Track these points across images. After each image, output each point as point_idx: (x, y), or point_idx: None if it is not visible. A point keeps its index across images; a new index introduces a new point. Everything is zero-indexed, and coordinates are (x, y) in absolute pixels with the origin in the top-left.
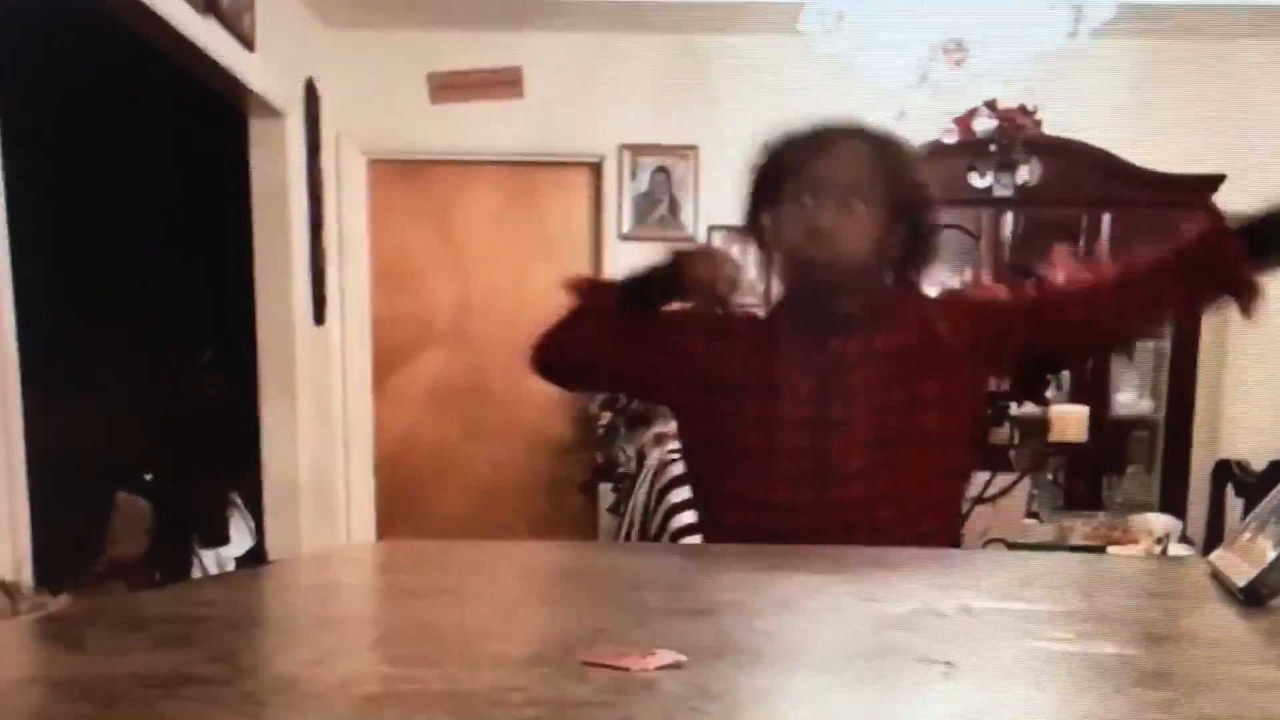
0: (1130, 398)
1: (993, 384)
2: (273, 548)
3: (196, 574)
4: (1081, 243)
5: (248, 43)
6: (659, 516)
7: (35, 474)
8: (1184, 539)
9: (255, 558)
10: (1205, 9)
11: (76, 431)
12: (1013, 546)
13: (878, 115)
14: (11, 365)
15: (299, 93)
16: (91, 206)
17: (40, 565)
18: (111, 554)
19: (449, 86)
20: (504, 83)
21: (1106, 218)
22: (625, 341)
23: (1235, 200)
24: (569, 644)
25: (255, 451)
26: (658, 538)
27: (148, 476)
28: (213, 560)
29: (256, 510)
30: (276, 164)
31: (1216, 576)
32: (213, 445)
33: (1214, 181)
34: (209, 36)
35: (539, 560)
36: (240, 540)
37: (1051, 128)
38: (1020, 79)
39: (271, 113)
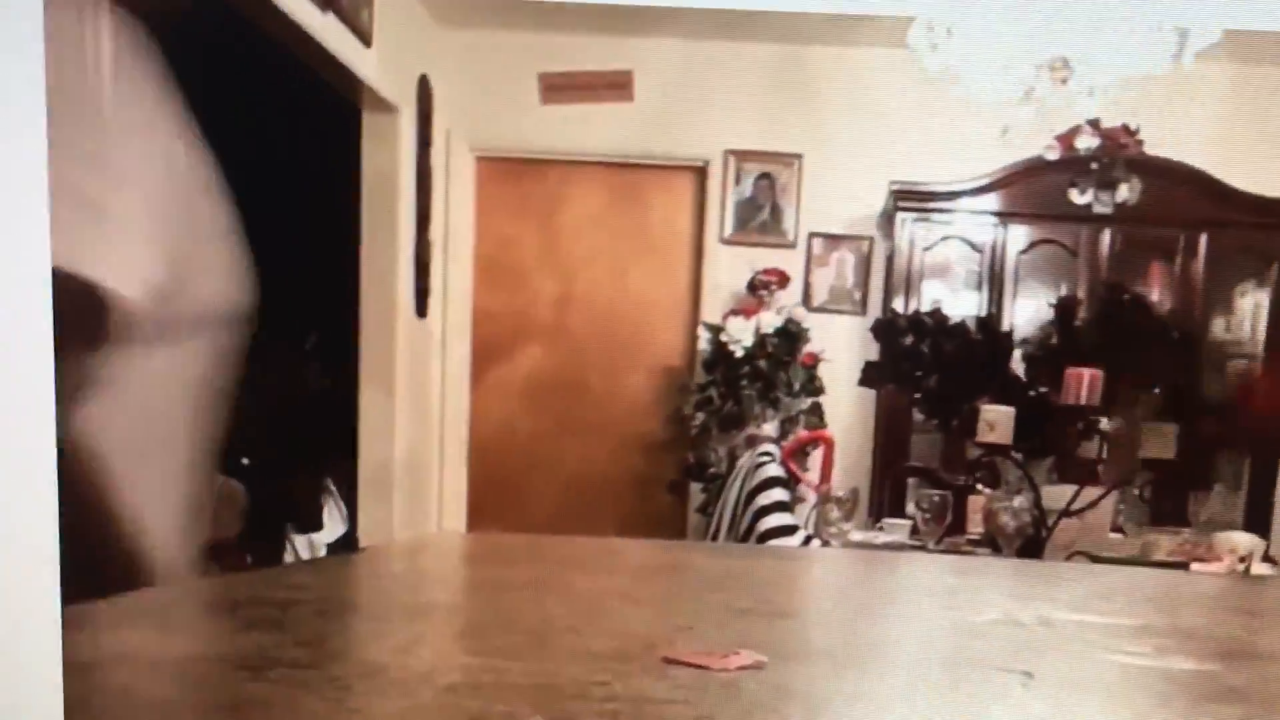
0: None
1: (1084, 398)
2: (365, 535)
3: (288, 559)
4: (1178, 262)
5: (365, 39)
6: (748, 518)
7: None
8: (1267, 558)
9: (347, 544)
10: None
11: None
12: (1097, 560)
13: (981, 130)
14: None
15: (412, 89)
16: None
17: None
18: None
19: (559, 87)
20: (614, 85)
21: (1204, 238)
22: None
23: None
24: (652, 641)
25: (352, 439)
26: (745, 539)
27: (245, 461)
28: (305, 546)
29: (351, 497)
30: (387, 157)
31: None
32: (311, 432)
33: None
34: (328, 32)
35: (626, 557)
36: (333, 527)
37: (1153, 147)
38: (1124, 99)
39: (385, 107)
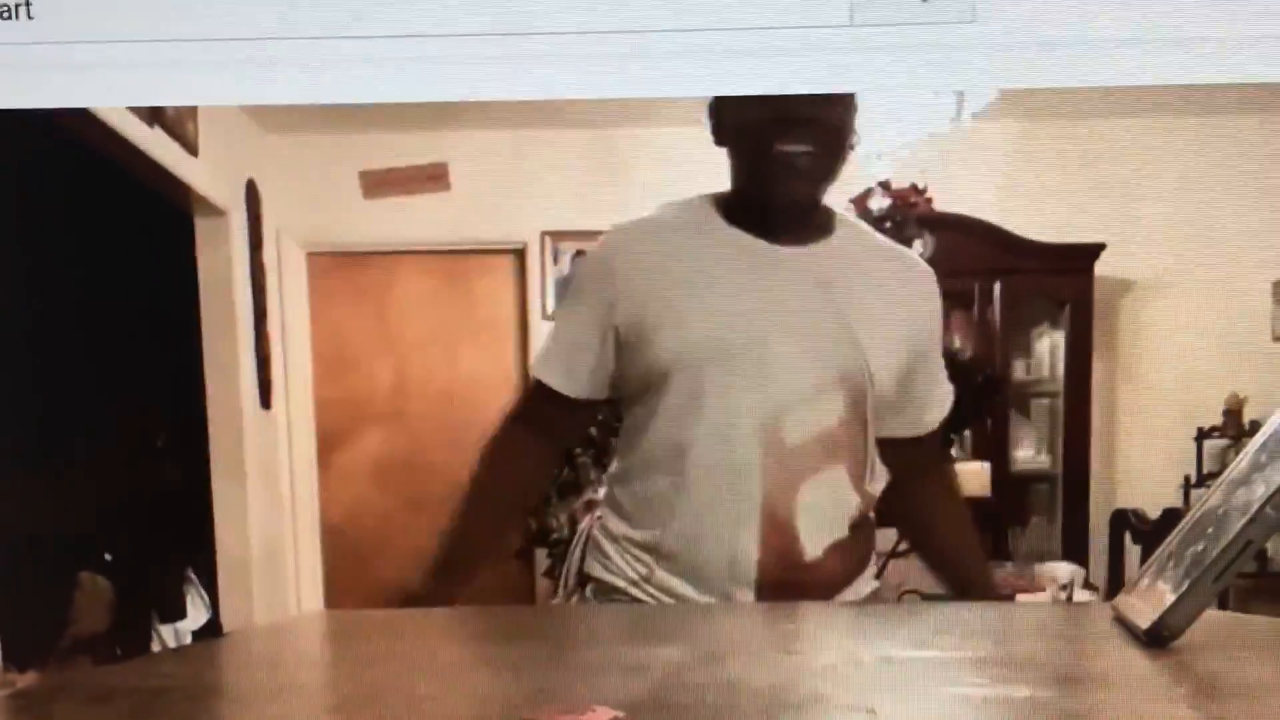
0: (1029, 453)
1: None
2: (227, 620)
3: (156, 648)
4: (975, 309)
5: (191, 149)
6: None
7: (2, 554)
8: (1087, 585)
9: (211, 630)
10: (1077, 91)
11: (39, 513)
12: (927, 598)
13: None
14: None
15: (240, 192)
16: (49, 303)
17: (7, 643)
18: (75, 631)
19: (380, 183)
20: (431, 177)
21: (997, 286)
22: None
23: (1115, 266)
24: (512, 703)
25: (209, 529)
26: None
27: (108, 556)
28: (171, 634)
29: (211, 585)
30: (220, 259)
31: (1120, 620)
32: (168, 524)
33: (1095, 250)
34: (155, 144)
35: (480, 625)
36: (196, 614)
37: (941, 204)
38: (910, 160)
39: (215, 211)
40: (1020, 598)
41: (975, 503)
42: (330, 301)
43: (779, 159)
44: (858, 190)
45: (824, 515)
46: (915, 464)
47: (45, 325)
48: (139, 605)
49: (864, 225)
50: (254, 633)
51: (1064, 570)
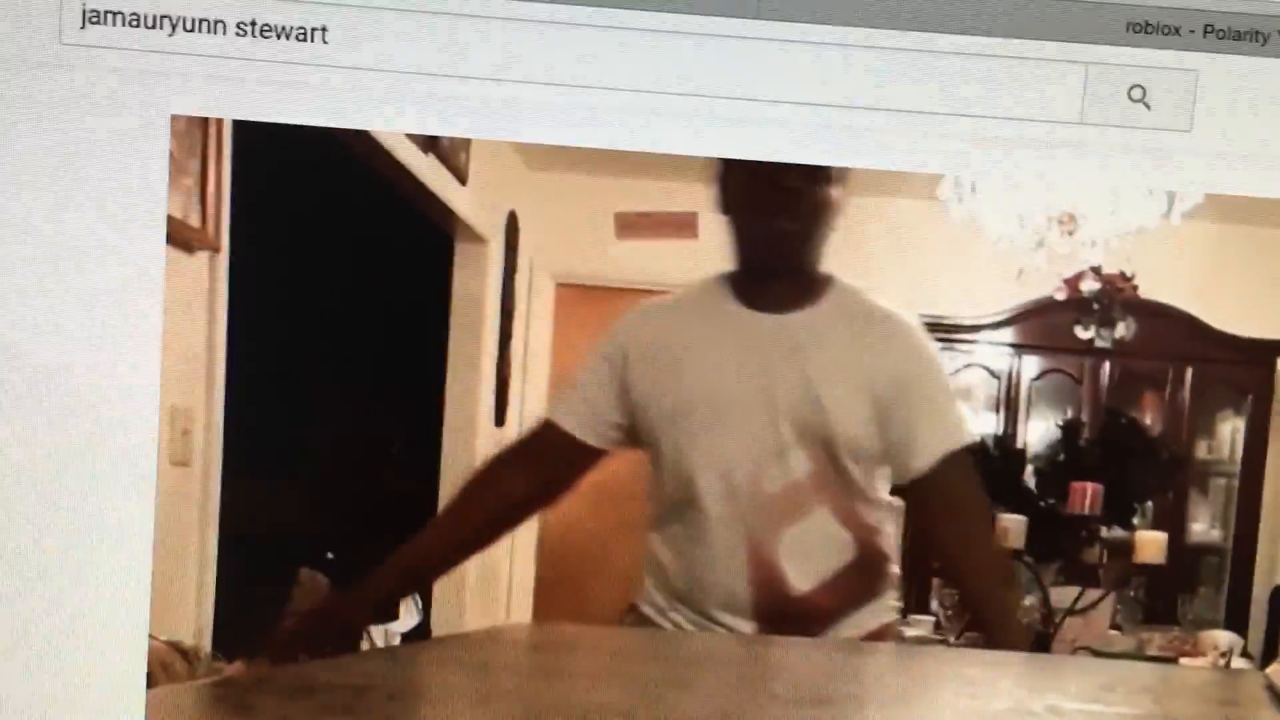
0: (1203, 527)
1: (1087, 508)
2: (437, 626)
3: (365, 646)
4: (1167, 391)
5: (461, 178)
6: None
7: (228, 547)
8: (1245, 654)
9: (420, 633)
10: (1270, 201)
11: (271, 511)
12: (1098, 654)
13: (1000, 272)
14: (216, 447)
15: (501, 223)
16: (304, 307)
17: (222, 632)
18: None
19: (632, 225)
20: (682, 225)
21: (1189, 371)
22: None
23: None
24: None
25: None
26: None
27: (330, 555)
28: (380, 635)
29: (426, 591)
30: (476, 283)
31: (1271, 688)
32: (394, 530)
33: (1277, 346)
34: (428, 171)
35: (679, 648)
36: (408, 617)
37: (1145, 292)
38: (1121, 249)
39: (476, 238)
40: (1183, 661)
41: (1151, 569)
42: (572, 330)
43: (766, 228)
44: (1071, 272)
45: (813, 552)
46: (931, 508)
47: (297, 329)
48: None
49: (858, 289)
50: (461, 639)
51: (1225, 638)
